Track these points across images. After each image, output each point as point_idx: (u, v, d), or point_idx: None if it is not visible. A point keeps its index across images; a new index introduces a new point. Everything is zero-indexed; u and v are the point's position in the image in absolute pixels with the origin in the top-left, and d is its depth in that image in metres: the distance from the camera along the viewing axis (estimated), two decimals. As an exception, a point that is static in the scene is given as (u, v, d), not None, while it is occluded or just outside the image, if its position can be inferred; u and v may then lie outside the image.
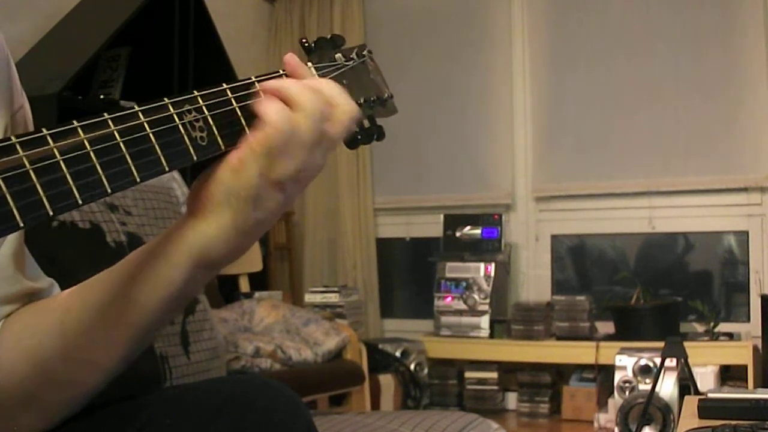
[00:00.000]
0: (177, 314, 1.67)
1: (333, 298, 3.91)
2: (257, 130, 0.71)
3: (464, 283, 3.95)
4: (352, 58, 0.88)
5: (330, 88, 0.76)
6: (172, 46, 3.44)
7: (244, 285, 3.67)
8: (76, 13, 3.35)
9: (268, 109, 0.71)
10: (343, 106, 0.75)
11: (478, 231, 4.08)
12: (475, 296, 3.91)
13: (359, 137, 0.87)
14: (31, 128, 0.85)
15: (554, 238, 4.21)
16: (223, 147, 0.71)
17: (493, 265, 3.96)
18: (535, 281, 4.19)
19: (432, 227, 4.26)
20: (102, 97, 3.16)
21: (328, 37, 0.88)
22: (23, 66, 2.48)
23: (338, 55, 0.88)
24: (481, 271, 3.95)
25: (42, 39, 3.24)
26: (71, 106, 2.92)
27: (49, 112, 2.80)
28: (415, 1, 4.48)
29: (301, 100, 0.72)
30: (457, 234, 4.11)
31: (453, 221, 4.14)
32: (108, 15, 3.27)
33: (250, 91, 0.75)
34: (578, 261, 4.34)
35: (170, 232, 0.74)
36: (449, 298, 3.96)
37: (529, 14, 4.21)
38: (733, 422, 1.42)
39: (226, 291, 3.45)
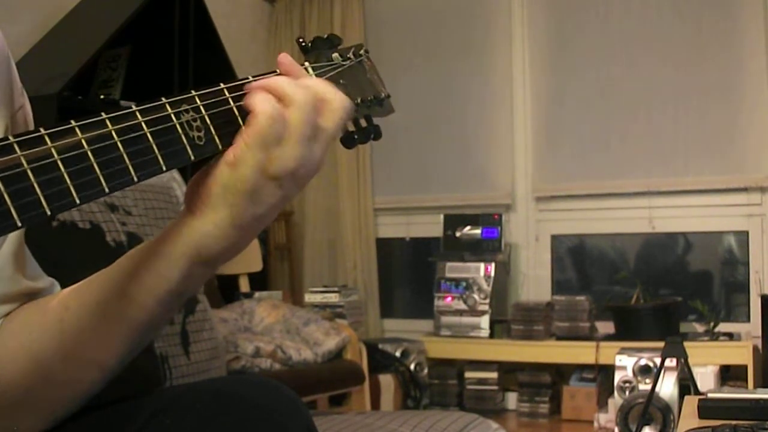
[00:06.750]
0: (175, 312, 1.67)
1: (333, 298, 3.91)
2: (249, 124, 0.71)
3: (464, 283, 3.94)
4: (349, 58, 0.88)
5: (320, 84, 0.76)
6: (172, 46, 3.44)
7: (244, 285, 3.67)
8: (76, 13, 3.35)
9: (257, 100, 0.71)
10: (334, 100, 0.75)
11: (478, 231, 4.08)
12: (475, 296, 3.91)
13: (356, 137, 0.86)
14: (32, 128, 0.85)
15: (554, 238, 4.21)
16: (220, 146, 0.71)
17: (493, 265, 3.95)
18: (535, 281, 4.19)
19: (432, 227, 4.26)
20: (102, 97, 3.16)
21: (325, 36, 0.88)
22: (23, 66, 2.48)
23: (335, 55, 0.87)
24: (481, 271, 3.95)
25: (42, 39, 3.24)
26: (71, 106, 2.92)
27: (49, 112, 2.80)
28: (415, 1, 4.48)
29: (290, 93, 0.72)
30: (457, 234, 4.10)
31: (453, 221, 4.14)
32: (108, 15, 3.27)
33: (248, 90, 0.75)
34: (578, 261, 4.33)
35: (168, 229, 0.74)
36: (449, 298, 3.96)
37: (529, 15, 4.21)
38: (733, 422, 1.42)
39: (226, 291, 3.45)
